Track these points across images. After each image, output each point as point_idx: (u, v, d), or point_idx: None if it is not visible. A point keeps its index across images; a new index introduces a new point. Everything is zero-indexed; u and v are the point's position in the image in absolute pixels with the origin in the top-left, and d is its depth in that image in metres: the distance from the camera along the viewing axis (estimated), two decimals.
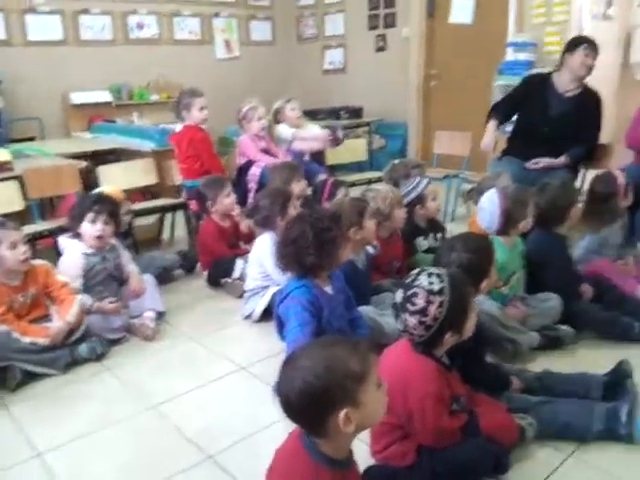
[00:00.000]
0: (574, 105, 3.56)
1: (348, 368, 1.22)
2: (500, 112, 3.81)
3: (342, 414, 1.20)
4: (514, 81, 4.40)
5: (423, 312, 1.60)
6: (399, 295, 1.67)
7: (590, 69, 3.52)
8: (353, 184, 4.32)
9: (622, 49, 6.04)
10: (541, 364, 2.29)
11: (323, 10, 7.10)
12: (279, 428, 2.00)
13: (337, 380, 1.20)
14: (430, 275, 1.65)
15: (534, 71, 4.96)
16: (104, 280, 2.78)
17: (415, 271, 1.70)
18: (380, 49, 6.61)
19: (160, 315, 2.88)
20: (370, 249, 2.69)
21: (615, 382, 2.03)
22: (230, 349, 2.61)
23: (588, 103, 3.58)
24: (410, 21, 6.22)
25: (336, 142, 4.34)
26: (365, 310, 2.37)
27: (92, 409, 2.20)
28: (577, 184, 3.82)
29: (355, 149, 5.03)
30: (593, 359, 2.34)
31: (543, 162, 3.54)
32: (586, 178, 3.82)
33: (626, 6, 5.96)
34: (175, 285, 3.42)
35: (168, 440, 2.00)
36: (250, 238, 3.43)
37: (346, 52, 6.98)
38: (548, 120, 3.58)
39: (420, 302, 1.61)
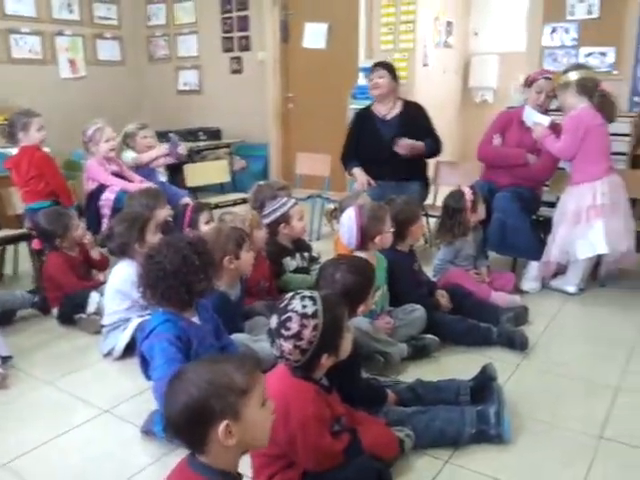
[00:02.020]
0: (399, 124, 3.81)
1: (231, 381, 1.23)
2: (352, 156, 4.02)
3: (222, 426, 1.20)
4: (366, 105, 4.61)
5: (298, 336, 1.58)
6: (274, 321, 1.64)
7: (379, 87, 3.80)
8: (217, 206, 4.23)
9: (462, 75, 6.61)
10: (412, 374, 2.35)
11: (174, 31, 6.95)
12: (152, 472, 1.85)
13: (218, 392, 1.21)
14: (303, 298, 1.63)
15: None
16: None
17: (288, 295, 1.68)
18: (236, 71, 6.59)
19: (5, 360, 2.54)
20: None
21: (482, 385, 2.12)
22: (91, 391, 2.37)
23: (412, 115, 3.84)
24: (265, 45, 6.28)
25: (177, 157, 4.36)
26: (238, 338, 2.28)
27: None
28: (430, 200, 4.08)
29: (216, 170, 4.94)
30: (459, 365, 2.45)
31: (405, 143, 3.72)
32: (438, 194, 4.07)
33: (464, 35, 6.54)
34: (22, 325, 3.06)
35: None
36: (104, 267, 3.18)
37: (201, 73, 6.88)
38: (383, 145, 3.80)
39: (294, 326, 1.58)
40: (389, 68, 3.87)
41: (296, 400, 1.60)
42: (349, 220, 2.60)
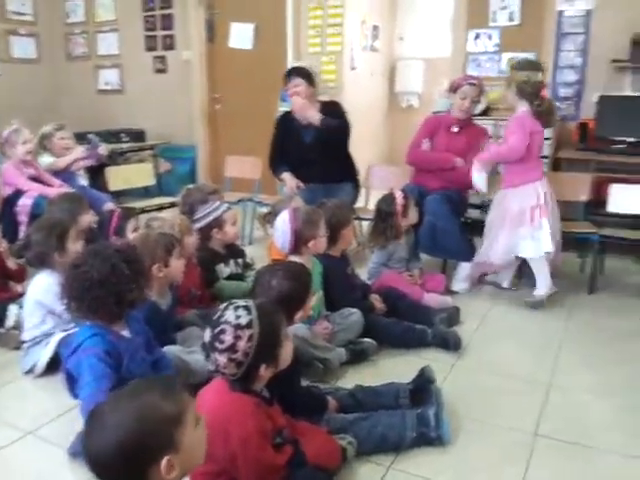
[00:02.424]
0: (316, 127, 3.74)
1: (162, 413, 1.13)
2: (280, 161, 3.96)
3: (164, 462, 1.11)
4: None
5: (232, 349, 1.53)
6: (207, 334, 1.58)
7: (299, 94, 3.73)
8: (142, 211, 4.06)
9: (388, 79, 6.70)
10: (352, 379, 2.33)
11: (94, 28, 6.66)
12: None
13: (153, 429, 1.11)
14: (237, 309, 1.58)
15: None
16: None
17: (222, 306, 1.62)
18: (160, 71, 6.38)
19: None
20: None
21: (420, 388, 2.13)
22: (11, 412, 2.20)
23: (329, 116, 3.76)
24: (190, 44, 6.12)
25: (97, 158, 4.23)
26: (170, 350, 2.17)
27: None
28: (361, 203, 4.09)
29: (140, 174, 4.76)
30: (396, 367, 2.46)
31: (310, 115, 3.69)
32: (370, 197, 4.10)
33: (390, 40, 6.64)
34: None
35: None
36: (21, 278, 2.98)
37: (122, 72, 6.62)
38: (307, 149, 3.79)
39: (228, 339, 1.53)
40: (304, 74, 3.78)
41: (235, 415, 1.55)
42: (283, 224, 2.55)
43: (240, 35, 5.85)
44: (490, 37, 4.71)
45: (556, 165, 4.22)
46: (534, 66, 3.28)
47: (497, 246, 3.18)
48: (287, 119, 3.94)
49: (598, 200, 3.62)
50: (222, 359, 1.53)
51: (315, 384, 2.23)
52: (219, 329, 1.55)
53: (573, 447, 1.96)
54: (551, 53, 4.50)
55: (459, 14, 4.83)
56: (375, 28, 6.24)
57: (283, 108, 4.92)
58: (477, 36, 4.76)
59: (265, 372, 1.59)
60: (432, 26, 6.51)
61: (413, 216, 3.26)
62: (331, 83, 5.41)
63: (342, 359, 2.43)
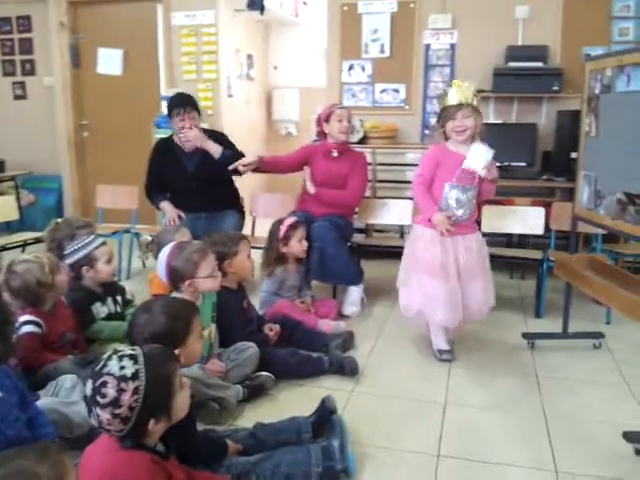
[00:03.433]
0: (202, 155, 3.63)
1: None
2: (157, 189, 3.78)
3: None
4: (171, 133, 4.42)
5: (115, 403, 1.38)
6: (88, 387, 1.41)
7: (184, 128, 3.57)
8: (4, 248, 3.66)
9: (265, 107, 6.72)
10: (251, 417, 2.21)
11: None
12: None
13: None
14: (122, 358, 1.43)
15: None
16: None
17: (106, 354, 1.47)
18: (19, 97, 5.91)
19: None
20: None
21: (322, 420, 2.07)
22: None
23: (215, 140, 3.68)
24: (52, 70, 5.73)
25: None
26: (47, 403, 1.92)
27: None
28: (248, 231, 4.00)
29: (0, 207, 4.31)
30: (296, 400, 2.38)
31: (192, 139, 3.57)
32: (257, 226, 4.03)
33: (264, 69, 6.67)
34: None
35: None
36: None
37: None
38: (189, 177, 3.65)
39: (111, 392, 1.38)
40: (195, 105, 3.66)
41: (128, 476, 1.39)
42: (163, 257, 2.40)
43: (108, 61, 5.59)
44: (363, 68, 4.88)
45: None
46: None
47: (488, 299, 2.83)
48: (167, 146, 3.77)
49: None
50: (105, 415, 1.38)
51: (212, 427, 2.08)
52: (100, 381, 1.39)
53: (476, 465, 1.98)
54: (421, 84, 4.75)
55: (332, 45, 4.96)
56: (249, 57, 6.25)
57: (158, 135, 4.74)
58: (351, 67, 4.91)
59: (155, 427, 1.45)
60: (306, 56, 6.65)
61: (295, 246, 3.20)
62: (209, 110, 5.32)
63: (239, 396, 2.30)
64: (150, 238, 3.07)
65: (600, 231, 3.36)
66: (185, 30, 5.31)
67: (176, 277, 2.36)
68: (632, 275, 2.63)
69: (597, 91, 2.65)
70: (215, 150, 3.57)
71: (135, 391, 1.39)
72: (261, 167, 3.62)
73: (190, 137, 3.56)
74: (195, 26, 5.27)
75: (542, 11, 4.42)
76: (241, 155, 3.67)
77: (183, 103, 3.62)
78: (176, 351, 1.82)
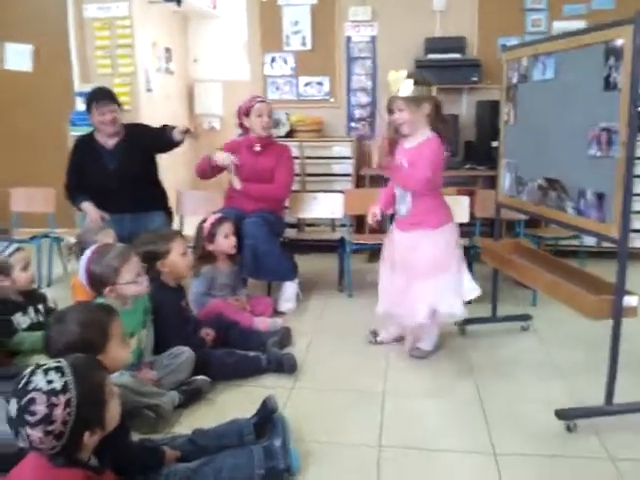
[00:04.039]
0: (124, 152, 3.52)
1: None
2: (78, 189, 3.56)
3: None
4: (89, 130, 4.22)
5: (47, 420, 1.31)
6: (12, 407, 1.33)
7: (115, 123, 3.49)
8: None
9: (187, 101, 6.55)
10: (189, 423, 2.14)
11: None
12: None
13: None
14: (47, 372, 1.36)
15: None
16: None
17: (28, 370, 1.38)
18: None
19: None
20: None
21: (264, 420, 2.03)
22: None
23: (136, 138, 3.57)
24: None
25: None
26: None
27: None
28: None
29: None
30: (235, 402, 2.33)
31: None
32: (185, 225, 3.91)
33: (184, 62, 6.49)
34: None
35: None
36: None
37: None
38: (111, 176, 3.50)
39: (40, 408, 1.31)
40: (115, 98, 3.53)
41: None
42: (83, 262, 2.29)
43: (17, 56, 5.28)
44: (286, 61, 4.83)
45: (360, 182, 4.46)
46: (427, 81, 2.59)
47: (422, 301, 2.60)
48: (87, 143, 3.59)
49: None
50: (36, 434, 1.30)
51: (148, 436, 2.00)
52: (27, 399, 1.31)
53: (417, 453, 2.01)
54: (344, 77, 4.77)
55: (253, 38, 4.88)
56: (168, 50, 6.06)
57: (74, 133, 4.53)
58: (273, 59, 4.85)
59: (90, 439, 1.39)
60: (227, 49, 6.53)
61: (222, 243, 3.13)
62: (126, 106, 5.09)
63: (175, 403, 2.22)
64: (74, 240, 2.90)
65: (523, 217, 3.49)
66: (98, 23, 5.07)
67: (96, 283, 2.26)
68: (554, 257, 2.76)
69: (515, 81, 2.74)
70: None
71: (67, 404, 1.33)
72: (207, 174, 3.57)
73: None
74: (109, 19, 5.04)
75: (458, 3, 4.54)
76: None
77: (102, 96, 3.49)
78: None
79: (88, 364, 1.46)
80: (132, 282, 2.27)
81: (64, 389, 1.33)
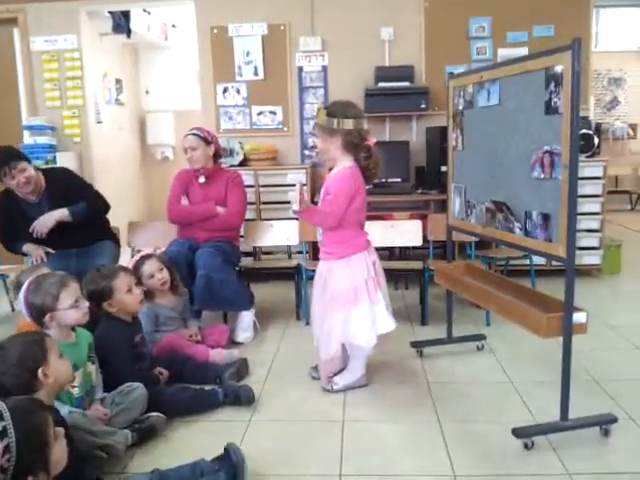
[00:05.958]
0: (48, 202, 3.34)
1: None
2: (14, 238, 3.39)
3: None
4: (39, 165, 4.12)
5: None
6: None
7: (29, 183, 3.26)
8: None
9: (139, 132, 6.50)
10: (143, 463, 2.07)
11: None
12: None
13: None
14: None
15: (58, 155, 4.80)
16: None
17: None
18: None
19: None
20: None
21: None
22: None
23: (59, 185, 3.39)
24: None
25: None
26: None
27: None
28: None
29: None
30: (192, 439, 2.27)
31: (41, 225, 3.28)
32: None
33: (135, 93, 6.46)
34: None
35: None
36: None
37: None
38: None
39: None
40: (22, 156, 3.31)
41: None
42: (21, 295, 2.24)
43: None
44: (239, 91, 4.85)
45: None
46: (358, 112, 2.55)
47: (332, 336, 2.58)
48: (9, 200, 3.36)
49: None
50: None
51: (100, 478, 1.92)
52: None
53: (379, 479, 1.98)
54: (297, 106, 4.82)
55: (205, 68, 4.89)
56: (118, 81, 6.03)
57: None
58: (225, 90, 4.87)
59: None
60: (179, 79, 6.53)
61: (148, 282, 2.99)
62: (76, 138, 5.03)
63: (128, 442, 2.14)
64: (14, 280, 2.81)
65: (473, 239, 3.56)
66: (46, 55, 5.01)
67: (37, 313, 2.19)
68: (504, 277, 2.81)
69: (461, 107, 2.82)
70: (63, 216, 3.29)
71: (6, 449, 1.27)
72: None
73: (42, 231, 3.27)
74: (57, 51, 4.99)
75: (406, 32, 4.67)
76: (93, 194, 3.50)
77: (6, 159, 3.22)
78: (39, 370, 1.75)
79: (28, 406, 1.41)
80: (72, 307, 2.20)
81: (2, 434, 1.28)
